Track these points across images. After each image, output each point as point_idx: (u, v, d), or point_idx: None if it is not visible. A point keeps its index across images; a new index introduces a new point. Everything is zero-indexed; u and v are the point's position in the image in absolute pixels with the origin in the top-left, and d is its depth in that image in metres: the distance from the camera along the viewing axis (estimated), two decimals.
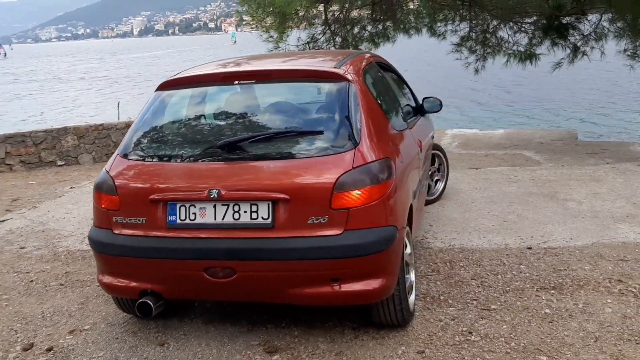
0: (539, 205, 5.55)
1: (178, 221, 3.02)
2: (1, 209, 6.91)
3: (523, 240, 4.66)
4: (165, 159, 3.18)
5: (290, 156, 3.03)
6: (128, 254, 3.11)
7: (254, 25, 8.53)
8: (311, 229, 2.90)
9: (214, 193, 2.93)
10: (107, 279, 3.26)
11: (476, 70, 9.38)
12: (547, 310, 3.49)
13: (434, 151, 5.72)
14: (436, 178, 5.88)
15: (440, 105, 4.98)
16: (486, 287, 3.85)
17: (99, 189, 3.22)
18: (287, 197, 2.89)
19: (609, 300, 3.58)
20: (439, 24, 9.54)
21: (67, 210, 6.32)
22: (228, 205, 2.96)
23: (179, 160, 3.15)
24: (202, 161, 3.10)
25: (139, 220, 3.08)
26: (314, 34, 9.06)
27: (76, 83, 40.97)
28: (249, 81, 3.40)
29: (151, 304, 3.12)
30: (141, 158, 3.23)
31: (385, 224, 2.98)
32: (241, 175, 2.99)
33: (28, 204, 7.00)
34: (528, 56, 8.73)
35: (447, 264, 4.28)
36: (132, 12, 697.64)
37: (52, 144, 9.50)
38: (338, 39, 9.08)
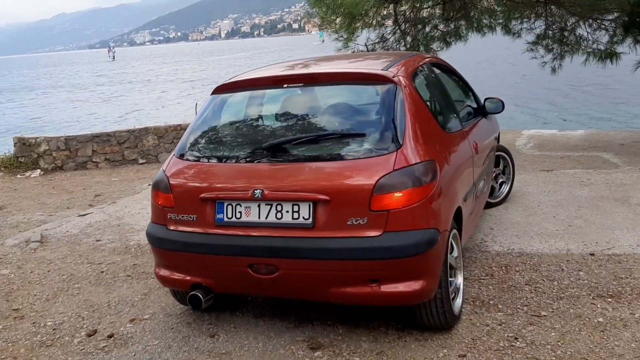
0: (609, 209, 5.32)
1: (225, 219, 3.16)
2: (84, 203, 7.40)
3: (587, 246, 4.50)
4: (215, 159, 3.33)
5: (331, 158, 3.10)
6: (180, 249, 3.28)
7: (324, 27, 8.64)
8: (351, 229, 2.95)
9: (258, 193, 3.05)
10: (163, 272, 3.45)
11: (553, 70, 9.03)
12: (601, 319, 3.37)
13: (498, 153, 5.61)
14: (501, 180, 5.75)
15: (503, 106, 4.89)
16: (539, 293, 3.76)
17: (156, 187, 3.41)
18: (327, 198, 2.96)
19: None
20: (514, 22, 9.27)
21: (142, 206, 6.67)
22: (271, 205, 3.06)
23: (228, 161, 3.29)
24: (249, 162, 3.22)
25: (191, 218, 3.25)
26: (383, 34, 9.05)
27: (163, 84, 42.73)
28: (297, 84, 3.49)
29: (201, 296, 3.27)
30: (194, 159, 3.39)
31: (426, 227, 2.99)
32: (284, 177, 3.08)
33: (108, 199, 7.45)
34: (608, 55, 8.31)
35: (503, 268, 4.20)
36: (220, 15, 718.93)
37: (134, 143, 10.03)
38: (408, 39, 9.03)
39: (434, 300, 3.15)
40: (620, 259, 4.21)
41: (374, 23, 8.46)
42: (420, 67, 3.81)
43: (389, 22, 8.89)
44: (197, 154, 3.42)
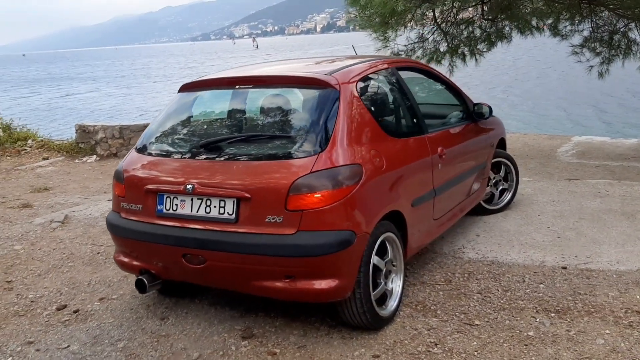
0: (609, 223, 5.12)
1: (164, 210, 3.39)
2: None
3: (563, 259, 4.38)
4: (163, 154, 3.58)
5: (257, 158, 3.26)
6: (129, 237, 3.55)
7: (362, 26, 8.70)
8: (268, 227, 3.10)
9: (189, 188, 3.26)
10: (119, 257, 3.74)
11: (600, 74, 8.63)
12: (531, 333, 3.33)
13: (499, 159, 5.53)
14: (501, 187, 5.65)
15: (490, 111, 4.87)
16: (485, 302, 3.74)
17: (115, 177, 3.70)
18: (248, 195, 3.13)
19: (607, 332, 3.31)
20: (563, 23, 8.92)
21: None
22: (202, 200, 3.27)
23: (172, 156, 3.53)
24: (188, 158, 3.44)
25: (138, 207, 3.51)
26: (422, 34, 8.99)
27: None
28: (247, 86, 3.68)
29: (146, 281, 3.53)
30: (148, 153, 3.65)
31: (340, 228, 3.09)
32: (214, 173, 3.28)
33: None
34: None
35: (465, 275, 4.19)
36: (317, 9, 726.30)
37: None
38: (449, 39, 8.92)
39: (353, 300, 3.24)
40: (591, 275, 4.09)
41: (408, 23, 8.41)
42: (374, 73, 3.87)
43: (426, 22, 8.81)
44: (150, 148, 3.67)
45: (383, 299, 3.51)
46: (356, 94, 3.48)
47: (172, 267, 3.45)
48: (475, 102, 4.95)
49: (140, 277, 3.56)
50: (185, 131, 3.75)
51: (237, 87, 3.70)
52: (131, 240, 3.55)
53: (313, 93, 3.45)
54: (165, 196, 3.39)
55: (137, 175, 3.55)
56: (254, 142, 3.40)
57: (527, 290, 3.89)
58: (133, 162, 3.64)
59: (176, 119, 3.82)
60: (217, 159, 3.35)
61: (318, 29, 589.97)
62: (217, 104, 3.88)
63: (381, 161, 3.41)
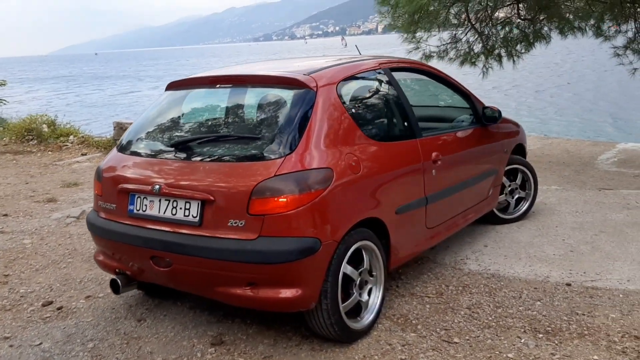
0: (630, 238, 4.76)
1: (135, 211, 3.34)
2: None
3: (570, 275, 4.09)
4: (138, 154, 3.52)
5: (223, 159, 3.15)
6: (104, 236, 3.52)
7: (391, 26, 8.50)
8: (230, 231, 2.99)
9: (156, 188, 3.19)
10: (98, 256, 3.72)
11: None
12: (511, 355, 3.09)
13: (516, 166, 5.26)
14: (517, 196, 5.35)
15: (499, 115, 4.62)
16: (472, 318, 3.52)
17: (95, 175, 3.68)
18: (212, 198, 3.03)
19: (595, 357, 3.04)
20: (607, 23, 8.46)
21: None
22: (169, 201, 3.19)
23: (145, 156, 3.47)
24: (160, 158, 3.38)
25: (112, 207, 3.47)
26: (455, 34, 8.69)
27: None
28: (227, 85, 3.58)
29: (119, 282, 3.49)
30: (126, 152, 3.61)
31: (303, 235, 2.95)
32: (182, 174, 3.20)
33: None
34: None
35: (459, 288, 3.97)
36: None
37: None
38: (484, 40, 8.59)
39: (320, 311, 3.10)
40: (595, 294, 3.79)
41: (439, 23, 8.14)
42: (361, 74, 3.70)
43: (458, 22, 8.52)
44: (128, 147, 3.63)
45: (357, 310, 3.34)
46: (335, 96, 3.33)
47: (143, 269, 3.40)
48: (485, 105, 4.70)
49: (114, 277, 3.52)
50: (162, 130, 3.68)
51: (218, 86, 3.61)
52: (106, 240, 3.52)
53: (288, 93, 3.32)
54: (136, 196, 3.34)
55: (113, 175, 3.51)
56: (223, 142, 3.30)
57: (520, 308, 3.63)
58: (111, 161, 3.61)
59: (157, 118, 3.77)
60: (185, 159, 3.27)
61: (379, 29, 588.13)
62: (199, 103, 3.81)
63: (358, 166, 3.25)
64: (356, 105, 3.56)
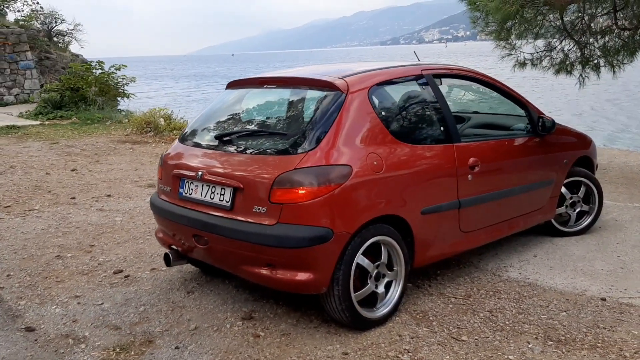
0: None
1: (183, 193, 3.79)
2: None
3: (610, 291, 4.03)
4: (192, 144, 3.98)
5: (253, 152, 3.51)
6: (160, 215, 4.00)
7: (483, 31, 8.46)
8: (255, 216, 3.34)
9: (199, 174, 3.61)
10: (158, 233, 4.22)
11: None
12: (512, 357, 3.18)
13: (578, 178, 5.16)
14: (579, 209, 5.24)
15: (553, 124, 4.61)
16: (489, 321, 3.61)
17: (159, 162, 4.18)
18: (242, 186, 3.40)
19: None
20: None
21: None
22: (209, 186, 3.60)
23: (195, 146, 3.91)
24: (207, 148, 3.80)
25: (167, 189, 3.95)
26: (550, 42, 8.47)
27: None
28: (272, 86, 3.95)
29: (171, 256, 3.96)
30: (184, 142, 4.07)
31: (317, 224, 3.22)
32: (220, 163, 3.60)
33: None
34: None
35: (490, 293, 4.04)
36: None
37: None
38: (580, 48, 8.31)
39: (332, 296, 3.36)
40: (627, 310, 3.73)
41: (530, 31, 8.01)
42: (400, 79, 3.90)
43: (553, 30, 8.31)
44: (186, 138, 4.09)
45: (374, 301, 3.56)
46: (365, 99, 3.57)
47: (189, 246, 3.83)
48: (541, 114, 4.69)
49: (167, 252, 3.99)
50: (214, 124, 4.11)
51: (265, 86, 3.99)
52: (162, 218, 4.00)
53: (320, 94, 3.61)
54: (185, 181, 3.79)
55: (170, 161, 3.99)
56: (257, 137, 3.68)
57: (542, 316, 3.66)
58: (172, 150, 4.10)
59: (212, 113, 4.21)
60: (224, 150, 3.67)
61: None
62: (249, 101, 4.19)
63: (380, 165, 3.46)
64: (387, 108, 3.77)
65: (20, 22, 23.51)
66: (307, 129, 3.45)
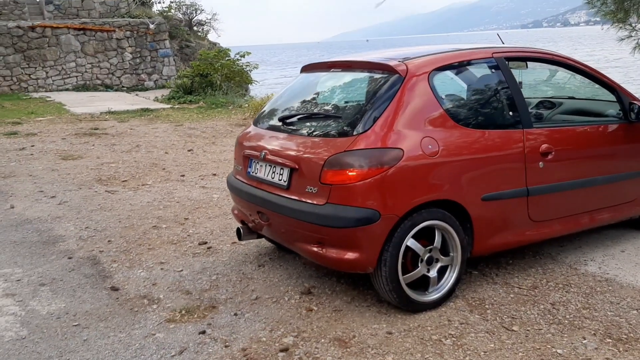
0: None
1: (251, 173, 4.01)
2: None
3: None
4: (261, 126, 4.18)
5: (309, 134, 3.63)
6: (233, 192, 4.26)
7: (600, 12, 7.89)
8: (307, 196, 3.47)
9: (263, 155, 3.81)
10: (233, 209, 4.49)
11: None
12: (561, 351, 3.05)
13: None
14: None
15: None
16: (548, 313, 3.47)
17: (235, 143, 4.44)
18: (297, 166, 3.54)
19: None
20: None
21: None
22: (271, 166, 3.78)
23: (264, 128, 4.11)
24: (273, 130, 3.97)
25: (239, 168, 4.20)
26: None
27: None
28: (337, 69, 4.03)
29: (242, 231, 4.21)
30: (256, 125, 4.28)
31: (365, 206, 3.28)
32: (280, 145, 3.75)
33: None
34: None
35: (560, 286, 3.87)
36: None
37: None
38: None
39: (379, 277, 3.41)
40: None
41: None
42: (466, 62, 3.82)
43: None
44: (258, 121, 4.30)
45: (425, 284, 3.56)
46: (425, 82, 3.55)
47: (255, 222, 4.05)
48: (634, 100, 4.35)
49: (239, 227, 4.25)
50: (282, 107, 4.27)
51: (332, 70, 4.08)
52: (235, 195, 4.26)
53: (379, 77, 3.64)
54: (252, 160, 4.00)
55: (243, 142, 4.22)
56: (315, 119, 3.78)
57: (609, 313, 3.46)
58: (246, 132, 4.33)
59: (283, 96, 4.38)
60: (286, 132, 3.82)
61: None
62: (319, 84, 4.29)
63: (435, 150, 3.43)
64: (449, 92, 3.71)
65: (164, 14, 25.32)
66: (362, 112, 3.51)
